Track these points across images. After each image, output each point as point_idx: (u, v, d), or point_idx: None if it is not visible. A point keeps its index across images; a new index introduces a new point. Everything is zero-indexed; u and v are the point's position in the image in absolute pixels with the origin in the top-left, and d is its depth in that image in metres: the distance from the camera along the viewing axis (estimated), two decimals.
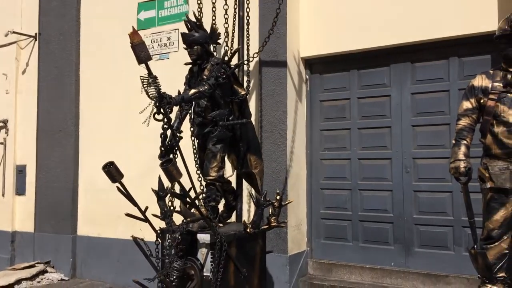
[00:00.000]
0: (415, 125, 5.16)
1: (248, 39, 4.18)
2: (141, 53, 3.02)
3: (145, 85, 3.18)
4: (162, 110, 3.20)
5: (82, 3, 7.02)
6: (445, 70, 5.01)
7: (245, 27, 4.14)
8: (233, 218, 4.41)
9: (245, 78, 4.38)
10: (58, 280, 6.65)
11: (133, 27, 3.06)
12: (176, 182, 3.25)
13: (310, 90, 5.75)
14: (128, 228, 5.51)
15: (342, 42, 5.38)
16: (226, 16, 4.27)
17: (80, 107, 6.95)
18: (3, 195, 7.42)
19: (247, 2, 4.19)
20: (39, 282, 6.55)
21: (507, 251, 3.45)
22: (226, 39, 4.51)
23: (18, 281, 6.36)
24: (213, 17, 4.35)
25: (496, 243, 3.41)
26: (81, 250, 6.80)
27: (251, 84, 5.48)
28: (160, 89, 3.18)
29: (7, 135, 7.46)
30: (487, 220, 3.46)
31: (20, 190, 7.36)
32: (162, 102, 3.18)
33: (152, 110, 3.22)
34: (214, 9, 4.37)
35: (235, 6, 4.25)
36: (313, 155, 5.73)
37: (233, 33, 4.44)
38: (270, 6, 5.17)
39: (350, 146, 5.52)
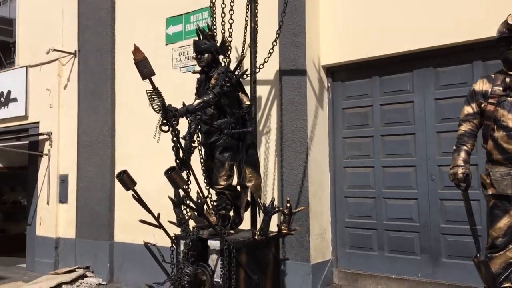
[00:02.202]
0: (440, 131, 5.02)
1: (256, 50, 4.24)
2: (144, 69, 3.16)
3: (150, 100, 3.32)
4: (168, 122, 3.33)
5: (116, 21, 7.39)
6: (469, 74, 4.85)
7: (253, 37, 4.21)
8: (248, 225, 4.47)
9: (257, 88, 4.44)
10: (96, 285, 6.96)
11: (135, 44, 3.18)
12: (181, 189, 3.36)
13: (332, 98, 5.73)
14: (158, 234, 5.68)
15: (364, 49, 5.34)
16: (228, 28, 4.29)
17: (116, 119, 7.28)
18: (48, 203, 7.89)
19: (256, 13, 4.26)
20: (78, 286, 6.88)
21: None
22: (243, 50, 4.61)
23: (59, 285, 6.72)
24: (223, 29, 4.42)
25: (501, 252, 3.26)
26: (118, 256, 7.08)
27: (272, 94, 5.55)
28: (165, 102, 3.30)
29: (51, 146, 7.94)
30: (491, 228, 3.31)
31: (62, 198, 7.80)
32: (167, 114, 3.31)
33: (159, 122, 3.36)
34: (230, 20, 4.46)
35: (246, 18, 4.35)
36: (336, 163, 5.70)
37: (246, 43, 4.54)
38: (289, 17, 5.23)
39: (373, 153, 5.44)
